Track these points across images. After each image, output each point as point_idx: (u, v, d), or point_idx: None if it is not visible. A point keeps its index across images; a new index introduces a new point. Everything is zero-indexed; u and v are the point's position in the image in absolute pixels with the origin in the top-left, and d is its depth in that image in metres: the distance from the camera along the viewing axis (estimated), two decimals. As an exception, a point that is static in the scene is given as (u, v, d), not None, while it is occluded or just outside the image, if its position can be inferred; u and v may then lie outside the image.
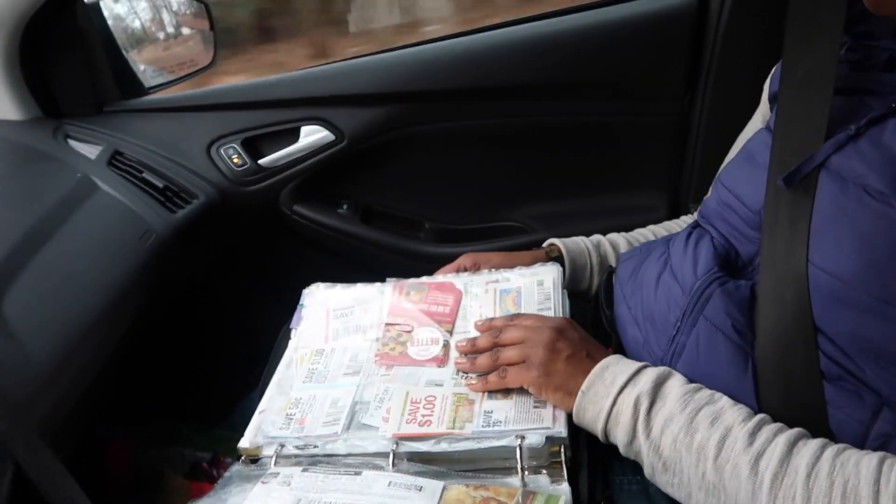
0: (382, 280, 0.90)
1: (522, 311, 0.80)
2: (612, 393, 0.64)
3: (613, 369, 0.66)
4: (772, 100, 0.76)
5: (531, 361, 0.70)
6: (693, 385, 0.63)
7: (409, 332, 0.82)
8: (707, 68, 1.18)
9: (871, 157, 0.56)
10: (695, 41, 1.17)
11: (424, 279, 0.89)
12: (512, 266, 0.89)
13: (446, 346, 0.80)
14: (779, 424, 0.57)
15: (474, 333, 0.80)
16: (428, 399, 0.73)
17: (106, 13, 1.24)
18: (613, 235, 0.97)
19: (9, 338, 0.71)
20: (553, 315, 0.80)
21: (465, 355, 0.77)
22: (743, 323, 0.63)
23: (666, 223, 1.00)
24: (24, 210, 0.91)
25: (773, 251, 0.61)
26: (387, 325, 0.83)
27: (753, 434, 0.56)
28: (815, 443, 0.54)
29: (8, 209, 0.90)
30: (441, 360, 0.79)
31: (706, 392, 0.62)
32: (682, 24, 1.16)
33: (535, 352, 0.70)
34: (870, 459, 0.51)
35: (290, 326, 0.87)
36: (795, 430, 0.56)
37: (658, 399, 0.62)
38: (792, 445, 0.54)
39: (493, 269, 0.89)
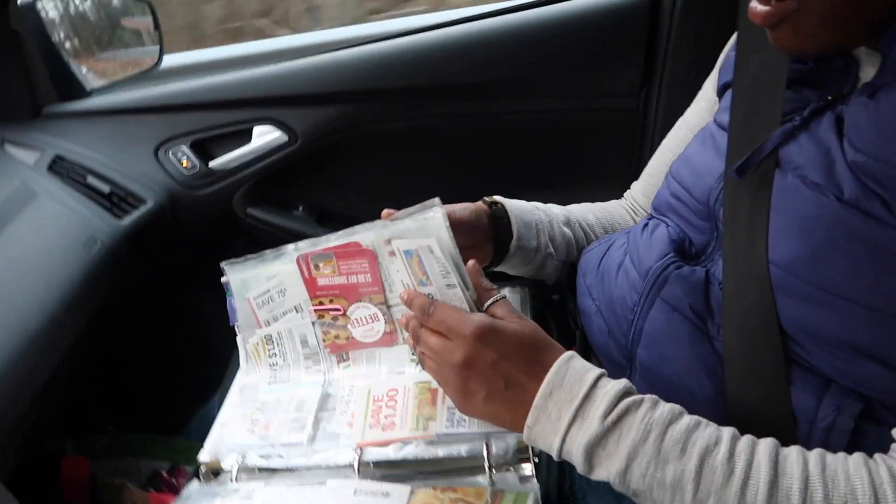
0: None
1: (432, 284, 0.68)
2: (559, 430, 0.56)
3: (558, 397, 0.57)
4: (721, 91, 0.77)
5: (451, 396, 0.63)
6: (648, 401, 0.56)
7: (343, 313, 0.76)
8: (662, 63, 1.19)
9: (807, 149, 0.58)
10: (650, 36, 1.18)
11: (326, 244, 0.75)
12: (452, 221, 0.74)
13: (389, 321, 0.75)
14: (750, 438, 0.53)
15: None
16: (390, 395, 0.72)
17: (42, 14, 1.19)
18: (552, 206, 0.93)
19: (-59, 354, 0.66)
20: (458, 285, 0.67)
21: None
22: (700, 304, 0.64)
23: (600, 203, 0.99)
24: (-43, 219, 0.86)
25: (733, 248, 0.61)
26: (315, 310, 0.76)
27: (731, 459, 0.52)
28: (794, 455, 0.51)
29: (-62, 219, 0.85)
30: (391, 337, 0.76)
31: (665, 408, 0.55)
32: (637, 19, 1.17)
33: (447, 388, 0.63)
34: (856, 466, 0.50)
35: (231, 324, 0.81)
36: (769, 443, 0.52)
37: (614, 431, 0.54)
38: (775, 464, 0.51)
39: (383, 221, 0.74)
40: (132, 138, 1.20)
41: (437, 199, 0.70)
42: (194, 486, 0.69)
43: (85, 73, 1.29)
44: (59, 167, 1.09)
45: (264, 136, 1.21)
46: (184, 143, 1.21)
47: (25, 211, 0.95)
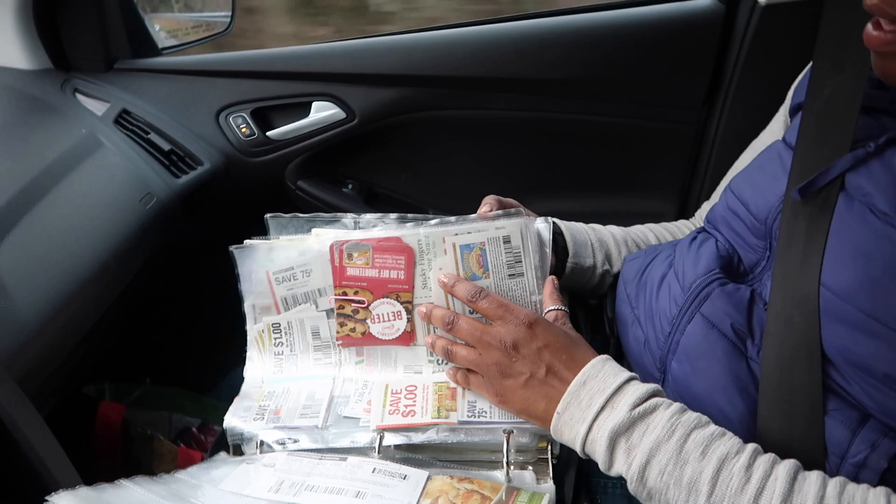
0: None
1: (491, 278, 0.71)
2: (587, 418, 0.59)
3: (591, 386, 0.60)
4: (793, 111, 0.75)
5: (487, 380, 0.66)
6: (677, 405, 0.59)
7: (366, 307, 0.74)
8: (729, 80, 1.16)
9: (879, 177, 0.56)
10: (719, 52, 1.16)
11: (367, 235, 0.74)
12: None
13: (410, 320, 0.73)
14: (772, 456, 0.54)
15: (439, 302, 0.72)
16: (409, 389, 0.71)
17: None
18: (609, 226, 0.95)
19: (-2, 290, 0.69)
20: (526, 280, 0.71)
21: (430, 339, 0.72)
22: (741, 323, 0.63)
23: (663, 224, 0.99)
24: (25, 161, 0.90)
25: (785, 265, 0.60)
26: (337, 299, 0.74)
27: (749, 468, 0.53)
28: (814, 477, 0.52)
29: (8, 159, 0.89)
30: (408, 338, 0.73)
31: (693, 414, 0.58)
32: (709, 33, 1.14)
33: (488, 371, 0.65)
34: (875, 496, 0.50)
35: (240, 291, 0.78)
36: (791, 463, 0.53)
37: (639, 423, 0.57)
38: (792, 480, 0.52)
39: (448, 219, 0.74)
40: (196, 100, 1.23)
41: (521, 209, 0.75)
42: (221, 456, 0.71)
43: (157, 30, 1.32)
44: (125, 121, 1.13)
45: (322, 111, 1.23)
46: (245, 110, 1.23)
47: (89, 159, 0.98)
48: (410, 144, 1.29)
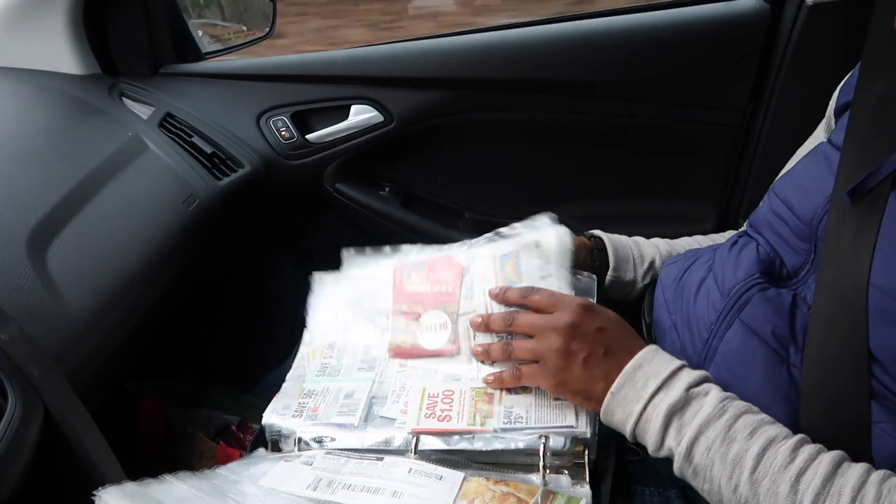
0: None
1: (525, 282, 0.74)
2: (643, 397, 0.61)
3: (646, 370, 0.62)
4: (839, 112, 0.74)
5: (545, 364, 0.66)
6: (729, 393, 0.61)
7: (417, 318, 0.79)
8: (773, 81, 1.14)
9: None
10: (764, 53, 1.13)
11: (423, 256, 0.82)
12: None
13: (454, 331, 0.76)
14: (819, 445, 0.55)
15: (481, 310, 0.75)
16: (446, 393, 0.71)
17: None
18: (654, 239, 0.95)
19: (49, 289, 0.72)
20: (555, 279, 0.74)
21: (480, 347, 0.73)
22: (782, 329, 0.62)
23: (712, 235, 0.98)
24: (75, 163, 0.92)
25: (832, 267, 0.59)
26: (394, 313, 0.79)
27: (795, 450, 0.54)
28: (859, 466, 0.52)
29: (59, 161, 0.91)
30: (453, 346, 0.75)
31: (743, 402, 0.60)
32: (753, 33, 1.12)
33: (547, 354, 0.66)
34: None
35: (304, 315, 0.84)
36: (837, 452, 0.54)
37: (693, 402, 0.59)
38: (836, 466, 0.52)
39: (490, 236, 0.82)
40: (237, 103, 1.25)
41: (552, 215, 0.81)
42: (260, 452, 0.72)
43: (201, 36, 1.35)
44: (169, 124, 1.15)
45: (360, 114, 1.24)
46: (284, 113, 1.25)
47: (135, 162, 1.00)
48: (448, 147, 1.29)
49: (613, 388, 0.62)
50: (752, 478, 0.54)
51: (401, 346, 0.77)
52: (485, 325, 0.72)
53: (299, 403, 0.73)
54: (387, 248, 0.85)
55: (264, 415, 0.72)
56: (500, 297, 0.73)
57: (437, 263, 0.80)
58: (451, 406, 0.70)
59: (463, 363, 0.74)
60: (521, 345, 0.69)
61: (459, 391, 0.71)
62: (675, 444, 0.58)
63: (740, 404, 0.59)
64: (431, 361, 0.76)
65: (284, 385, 0.77)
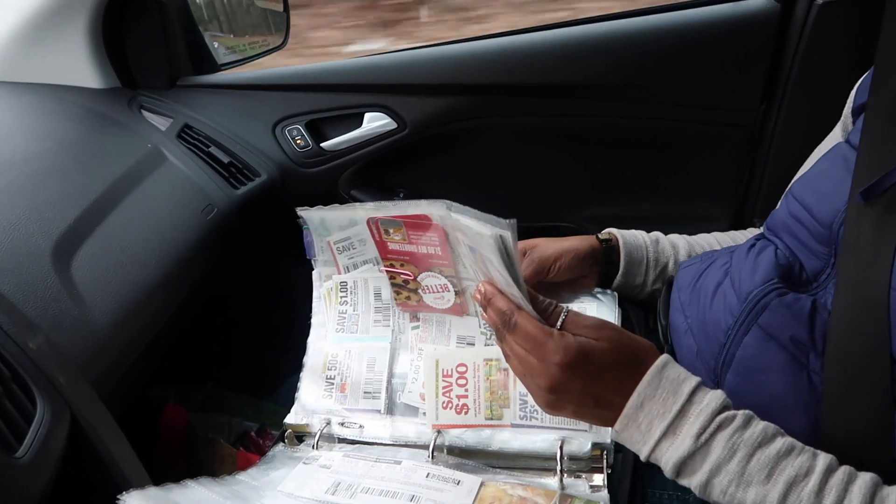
0: None
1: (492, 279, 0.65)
2: (648, 442, 0.56)
3: (648, 409, 0.56)
4: (856, 112, 0.73)
5: (537, 403, 0.61)
6: (741, 418, 0.55)
7: (414, 279, 0.77)
8: (786, 81, 1.13)
9: None
10: (775, 52, 1.13)
11: (395, 211, 0.74)
12: (558, 268, 0.83)
13: (459, 293, 0.75)
14: (846, 473, 0.51)
15: (475, 280, 0.69)
16: (460, 372, 0.72)
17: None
18: (674, 236, 0.94)
19: (74, 298, 0.73)
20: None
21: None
22: (802, 335, 0.61)
23: (731, 232, 0.97)
24: (96, 176, 0.94)
25: (851, 270, 0.58)
26: (386, 270, 0.78)
27: (821, 493, 0.50)
28: (893, 498, 0.49)
29: (81, 174, 0.93)
30: (460, 308, 0.76)
31: (757, 429, 0.54)
32: (764, 32, 1.12)
33: (536, 398, 0.60)
34: None
35: (308, 257, 0.84)
36: (867, 481, 0.50)
37: (703, 447, 0.54)
38: (869, 502, 0.49)
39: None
40: (253, 113, 1.27)
41: (513, 222, 0.58)
42: (279, 448, 0.73)
43: (217, 48, 1.37)
44: (187, 135, 1.17)
45: (374, 121, 1.25)
46: (299, 122, 1.26)
47: (155, 173, 1.02)
48: (461, 153, 1.30)
49: (617, 426, 0.57)
50: None
51: (407, 303, 0.78)
52: (486, 303, 0.63)
53: (327, 379, 0.76)
54: (338, 206, 0.78)
55: (299, 395, 0.75)
56: (484, 302, 0.63)
57: (415, 223, 0.73)
58: (466, 390, 0.71)
59: (474, 325, 0.76)
60: (511, 362, 0.62)
61: (473, 365, 0.71)
62: (689, 483, 0.55)
63: (753, 434, 0.53)
64: (444, 317, 0.78)
65: (307, 359, 0.79)
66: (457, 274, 0.73)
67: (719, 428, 0.54)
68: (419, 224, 0.73)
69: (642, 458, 0.57)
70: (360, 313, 0.80)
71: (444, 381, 0.72)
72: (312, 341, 0.82)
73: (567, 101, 1.22)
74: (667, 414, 0.55)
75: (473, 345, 0.74)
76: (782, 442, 0.53)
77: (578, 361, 0.56)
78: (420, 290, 0.76)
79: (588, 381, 0.56)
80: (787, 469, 0.51)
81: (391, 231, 0.75)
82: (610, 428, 0.63)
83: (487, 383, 0.71)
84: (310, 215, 0.80)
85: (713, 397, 0.55)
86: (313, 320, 0.83)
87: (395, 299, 0.79)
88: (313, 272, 0.84)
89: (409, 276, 0.76)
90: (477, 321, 0.76)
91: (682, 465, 0.55)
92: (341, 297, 0.81)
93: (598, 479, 0.65)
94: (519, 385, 0.70)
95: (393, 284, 0.78)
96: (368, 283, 0.80)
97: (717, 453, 0.53)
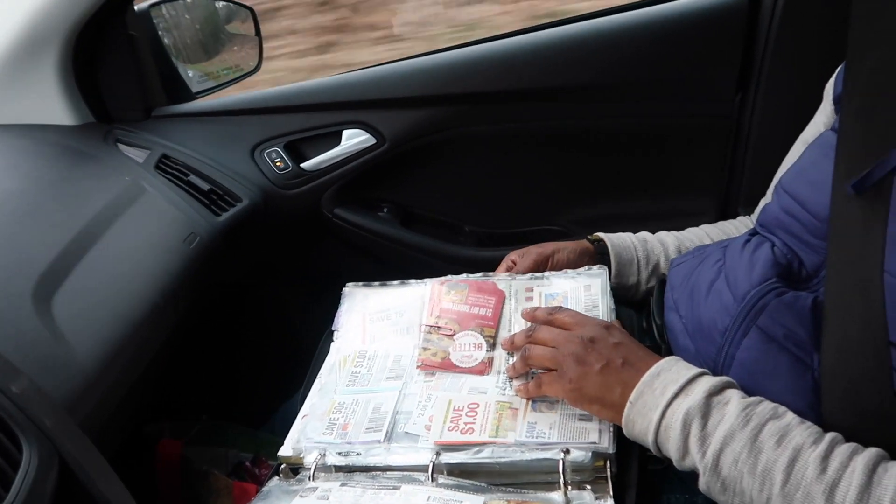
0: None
1: None
2: (660, 404, 0.59)
3: (665, 377, 0.61)
4: (836, 102, 0.72)
5: (563, 371, 0.66)
6: (753, 398, 0.58)
7: (451, 335, 0.80)
8: (759, 68, 1.13)
9: None
10: (747, 40, 1.13)
11: (466, 277, 0.87)
12: (555, 261, 0.88)
13: (490, 354, 0.78)
14: (853, 445, 0.53)
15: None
16: (471, 406, 0.72)
17: (155, 20, 1.27)
18: (662, 234, 0.94)
19: (57, 339, 0.72)
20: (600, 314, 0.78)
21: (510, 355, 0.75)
22: (803, 335, 0.60)
23: (721, 223, 0.96)
24: (74, 213, 0.93)
25: (840, 260, 0.57)
26: (427, 326, 0.81)
27: (826, 458, 0.52)
28: (895, 467, 0.50)
29: (59, 212, 0.92)
30: (484, 368, 0.77)
31: (768, 405, 0.57)
32: (734, 21, 1.12)
33: (565, 361, 0.66)
34: None
35: (333, 328, 0.87)
36: (872, 452, 0.51)
37: (714, 411, 0.57)
38: (871, 472, 0.50)
39: (537, 275, 0.85)
40: (231, 139, 1.26)
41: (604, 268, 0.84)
42: (274, 481, 0.71)
43: (191, 76, 1.36)
44: (165, 165, 1.16)
45: (353, 138, 1.25)
46: (278, 144, 1.26)
47: (134, 206, 1.01)
48: (442, 163, 1.30)
49: (632, 396, 0.61)
50: (784, 491, 0.52)
51: (431, 360, 0.78)
52: (510, 342, 0.75)
53: (330, 420, 0.74)
54: (393, 283, 0.88)
55: (292, 434, 0.74)
56: (530, 314, 0.76)
57: (479, 286, 0.84)
58: (474, 419, 0.70)
59: (490, 382, 0.75)
60: (537, 351, 0.69)
61: (485, 404, 0.72)
62: (700, 457, 0.56)
63: (764, 409, 0.56)
64: (459, 376, 0.77)
65: (309, 403, 0.78)
66: (496, 335, 0.79)
67: (732, 398, 0.58)
68: (483, 287, 0.83)
69: (651, 434, 0.59)
70: (373, 373, 0.80)
71: (453, 413, 0.71)
72: (319, 388, 0.81)
73: (544, 105, 1.22)
74: (680, 379, 0.60)
75: (486, 393, 0.74)
76: (793, 417, 0.56)
77: (615, 328, 0.69)
78: (450, 347, 0.79)
79: (621, 342, 0.66)
80: (796, 437, 0.54)
81: (452, 292, 0.84)
82: (609, 435, 0.65)
83: (497, 415, 0.70)
84: (356, 291, 0.88)
85: (722, 377, 0.61)
86: (321, 380, 0.81)
87: (420, 356, 0.79)
88: (332, 343, 0.85)
89: (450, 332, 0.80)
90: (493, 380, 0.75)
91: (691, 424, 0.57)
92: (356, 363, 0.82)
93: (604, 488, 0.64)
94: (528, 416, 0.69)
95: (425, 340, 0.80)
96: (389, 352, 0.81)
97: (732, 421, 0.56)
